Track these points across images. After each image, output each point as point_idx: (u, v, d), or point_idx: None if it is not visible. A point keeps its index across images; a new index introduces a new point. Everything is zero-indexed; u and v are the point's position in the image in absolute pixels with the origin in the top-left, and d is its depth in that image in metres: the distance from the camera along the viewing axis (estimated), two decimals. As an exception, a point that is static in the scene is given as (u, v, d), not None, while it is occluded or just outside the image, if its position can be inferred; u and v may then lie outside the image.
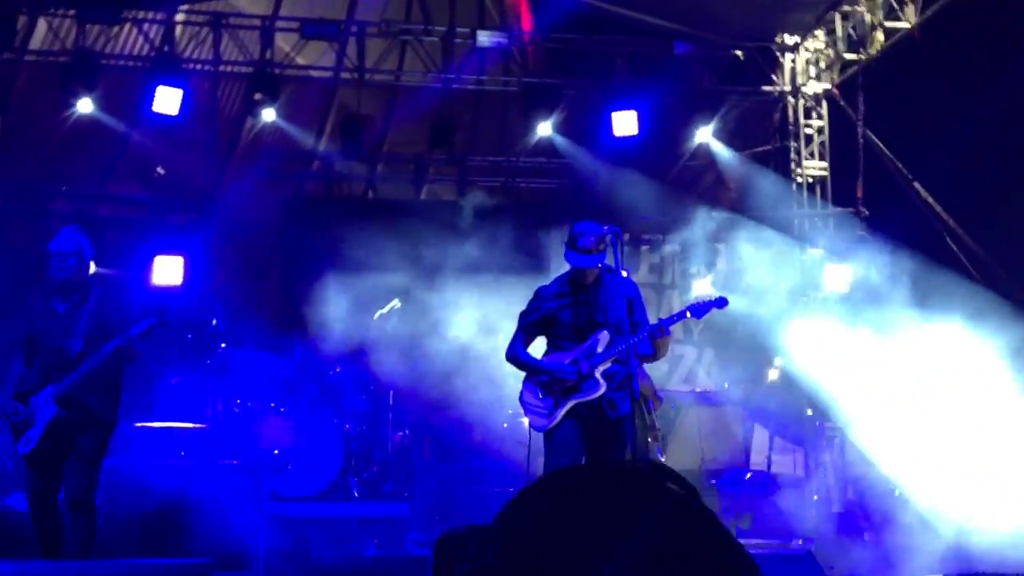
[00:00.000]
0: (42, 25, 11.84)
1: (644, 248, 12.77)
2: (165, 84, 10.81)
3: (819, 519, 9.57)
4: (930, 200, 11.75)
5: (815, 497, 9.99)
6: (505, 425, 10.05)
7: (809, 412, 12.03)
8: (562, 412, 5.78)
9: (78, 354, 6.01)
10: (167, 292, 10.21)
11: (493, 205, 12.72)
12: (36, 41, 11.97)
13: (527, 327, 6.05)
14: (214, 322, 9.55)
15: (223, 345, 9.45)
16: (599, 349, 5.83)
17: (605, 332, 5.86)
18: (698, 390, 12.13)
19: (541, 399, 5.87)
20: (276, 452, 8.80)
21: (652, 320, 6.24)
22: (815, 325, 12.04)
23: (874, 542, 10.06)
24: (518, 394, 6.07)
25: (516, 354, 6.00)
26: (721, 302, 6.29)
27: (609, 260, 5.91)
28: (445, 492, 9.31)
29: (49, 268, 6.13)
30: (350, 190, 14.01)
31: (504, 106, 13.65)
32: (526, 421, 6.19)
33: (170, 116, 10.81)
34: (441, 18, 13.30)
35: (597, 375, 5.80)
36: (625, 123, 11.39)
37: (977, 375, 9.78)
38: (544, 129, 12.26)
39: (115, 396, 6.24)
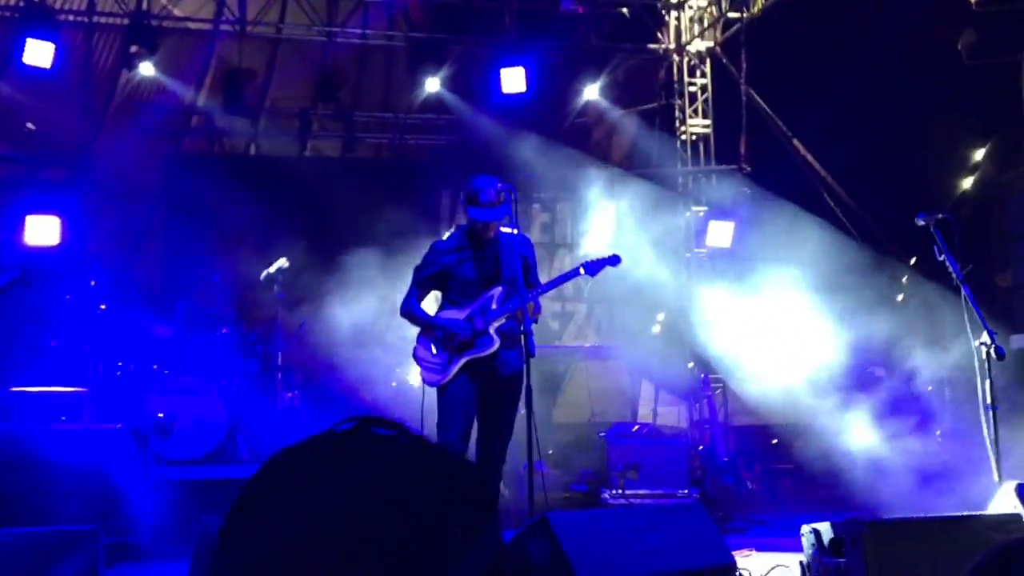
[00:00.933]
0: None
1: (536, 207, 12.83)
2: (36, 36, 10.33)
3: (704, 469, 9.81)
4: (808, 157, 12.07)
5: (699, 448, 10.23)
6: (394, 384, 10.04)
7: (691, 365, 12.31)
8: (455, 368, 5.80)
9: None
10: (42, 252, 9.83)
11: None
12: None
13: (421, 281, 6.01)
14: (93, 283, 9.25)
15: (103, 306, 9.16)
16: (493, 306, 5.85)
17: (500, 288, 5.88)
18: (587, 346, 12.29)
19: (435, 355, 5.87)
20: (161, 415, 8.61)
21: (544, 278, 6.30)
22: (696, 279, 12.33)
23: (756, 491, 10.39)
24: (410, 351, 6.05)
25: (411, 309, 5.97)
26: (614, 259, 6.36)
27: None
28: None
29: None
30: (232, 146, 13.69)
31: (390, 61, 13.48)
32: (418, 376, 6.19)
33: (42, 69, 10.35)
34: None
35: (491, 331, 5.83)
36: (513, 80, 11.37)
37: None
38: (432, 85, 12.16)
39: None
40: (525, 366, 5.70)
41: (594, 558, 4.59)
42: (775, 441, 13.16)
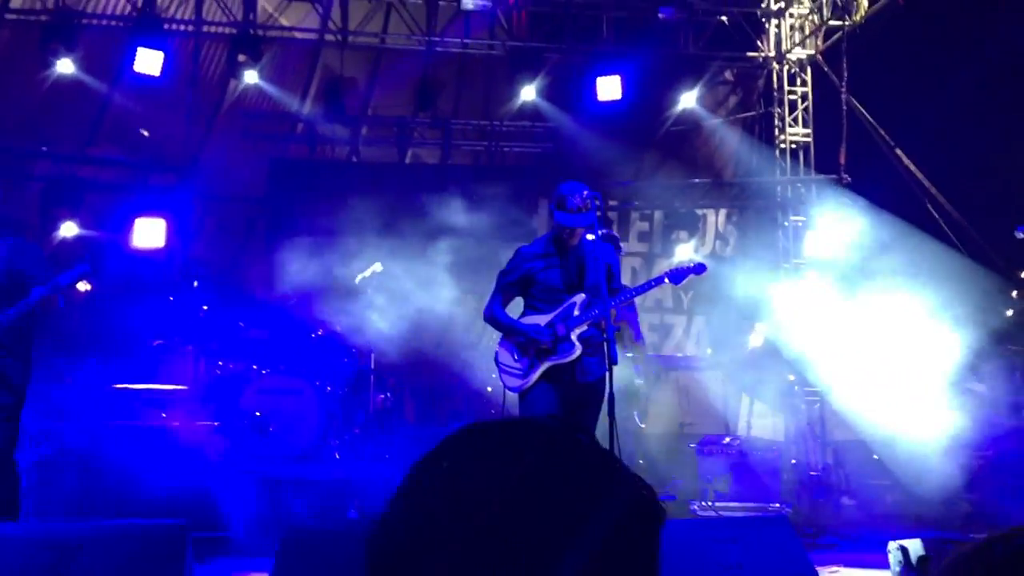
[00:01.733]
0: (22, -16, 11.73)
1: (634, 215, 12.76)
2: (146, 46, 10.71)
3: (797, 483, 9.65)
4: (911, 167, 11.79)
5: (793, 461, 10.07)
6: (490, 389, 10.12)
7: (790, 378, 12.12)
8: (536, 374, 5.81)
9: None
10: (150, 256, 10.17)
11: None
12: (16, 0, 11.85)
13: (505, 287, 6.04)
14: (195, 284, 9.53)
15: (205, 307, 9.44)
16: (576, 312, 5.85)
17: (583, 295, 5.88)
18: (679, 355, 12.19)
19: (516, 360, 5.90)
20: (257, 414, 8.82)
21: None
22: (796, 291, 12.13)
23: (852, 506, 10.18)
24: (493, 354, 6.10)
25: (494, 314, 6.00)
26: (699, 268, 6.31)
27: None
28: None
29: None
30: (333, 153, 13.96)
31: (489, 70, 13.59)
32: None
33: (152, 77, 10.71)
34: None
35: (573, 338, 5.82)
36: (609, 88, 11.37)
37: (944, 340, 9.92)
38: (528, 93, 12.22)
39: (27, 353, 5.68)
40: (607, 373, 5.67)
41: (672, 569, 4.56)
42: (875, 456, 12.88)
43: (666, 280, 6.26)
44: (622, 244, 8.57)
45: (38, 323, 5.66)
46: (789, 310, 12.06)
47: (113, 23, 11.96)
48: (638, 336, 8.49)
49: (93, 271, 5.40)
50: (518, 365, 5.87)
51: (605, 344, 5.64)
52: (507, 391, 5.99)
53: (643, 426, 9.53)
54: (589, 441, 1.17)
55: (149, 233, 10.29)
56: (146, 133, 12.62)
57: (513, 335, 5.94)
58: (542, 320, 5.90)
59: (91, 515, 6.68)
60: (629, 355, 8.61)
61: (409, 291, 10.70)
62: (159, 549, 4.76)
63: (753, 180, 12.61)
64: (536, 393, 5.78)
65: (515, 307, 6.30)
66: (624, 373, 8.03)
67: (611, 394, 5.57)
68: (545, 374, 5.81)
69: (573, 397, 5.81)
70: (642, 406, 8.87)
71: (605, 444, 5.71)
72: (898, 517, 9.38)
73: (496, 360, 5.99)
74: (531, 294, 5.99)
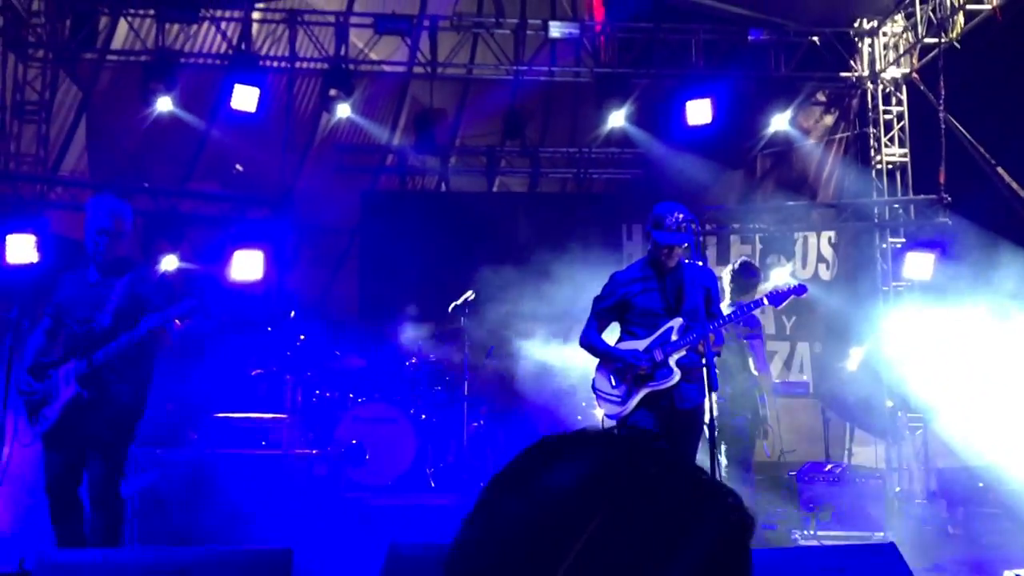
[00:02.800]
0: (123, 25, 12.12)
1: (733, 239, 12.60)
2: (242, 82, 10.97)
3: (901, 511, 9.38)
4: (1014, 185, 11.44)
5: (897, 489, 9.79)
6: (579, 418, 10.05)
7: (889, 403, 11.84)
8: (635, 400, 5.72)
9: (106, 329, 5.47)
10: (247, 287, 10.34)
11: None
12: (117, 41, 12.26)
13: (601, 312, 5.97)
14: (292, 314, 9.68)
15: (302, 337, 9.57)
16: (673, 337, 5.75)
17: (680, 319, 5.78)
18: (777, 381, 11.97)
19: (614, 387, 5.81)
20: (354, 442, 8.90)
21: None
22: (897, 314, 11.85)
23: (958, 535, 9.86)
24: (590, 382, 6.03)
25: (590, 340, 5.93)
26: (800, 289, 6.20)
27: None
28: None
29: (85, 243, 5.65)
30: (424, 183, 14.11)
31: (576, 97, 13.62)
32: (599, 410, 6.14)
33: (248, 113, 10.96)
34: (512, 10, 13.31)
35: (671, 363, 5.72)
36: (699, 112, 11.29)
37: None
38: (617, 119, 12.18)
39: (144, 382, 5.67)
40: (707, 400, 5.56)
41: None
42: (981, 484, 12.48)
43: (765, 301, 6.16)
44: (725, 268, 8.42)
45: (150, 352, 5.67)
46: (888, 333, 11.81)
47: (211, 61, 12.29)
48: (762, 366, 8.29)
49: (202, 306, 5.44)
50: (616, 392, 5.79)
51: (704, 370, 5.55)
52: (605, 418, 5.93)
53: (772, 457, 9.34)
54: (669, 449, 1.11)
55: (247, 265, 10.45)
56: (240, 168, 12.91)
57: (610, 361, 5.86)
58: (640, 345, 5.81)
59: (195, 542, 6.78)
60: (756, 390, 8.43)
61: (501, 319, 10.71)
62: (264, 574, 4.80)
63: (850, 201, 12.38)
64: (635, 420, 5.70)
65: (611, 332, 6.25)
66: (750, 404, 7.89)
67: (711, 422, 5.45)
68: (644, 400, 5.72)
69: (672, 425, 5.71)
70: (771, 439, 8.69)
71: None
72: (1005, 547, 9.06)
73: (593, 387, 5.93)
74: (627, 319, 5.92)
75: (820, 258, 12.45)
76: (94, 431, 5.45)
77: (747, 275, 7.91)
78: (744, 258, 8.28)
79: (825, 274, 12.48)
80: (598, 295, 6.03)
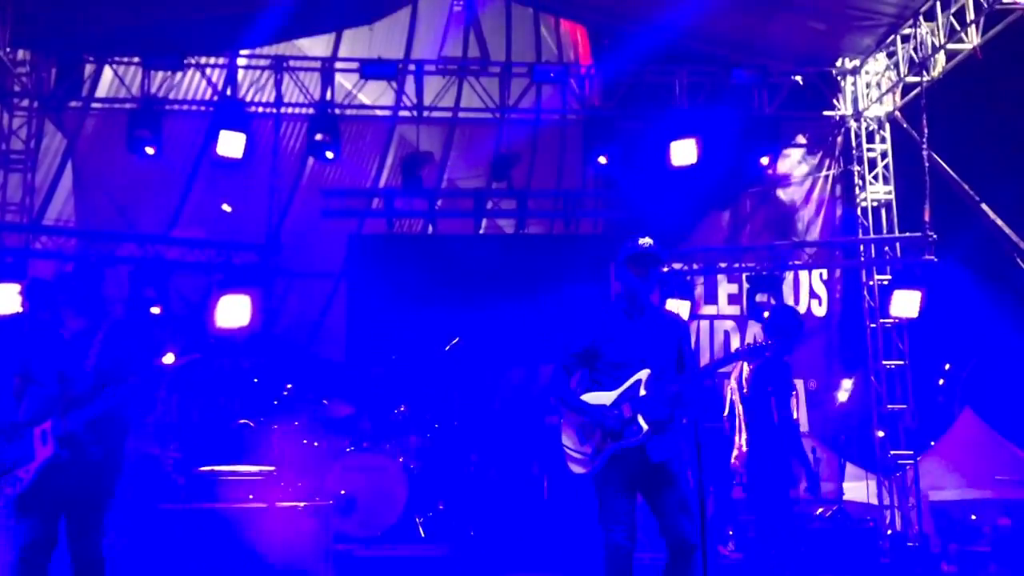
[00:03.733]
0: (107, 73, 12.14)
1: (720, 278, 12.60)
2: (228, 128, 10.97)
3: (895, 554, 9.33)
4: (999, 222, 11.49)
5: (889, 532, 9.76)
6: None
7: (879, 434, 11.88)
8: (603, 460, 5.42)
9: (88, 388, 5.27)
10: (232, 334, 10.29)
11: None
12: (103, 89, 12.27)
13: (568, 360, 5.62)
14: (289, 387, 9.62)
15: (289, 386, 9.52)
16: (641, 392, 5.42)
17: (648, 371, 5.45)
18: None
19: (581, 444, 5.55)
20: (343, 492, 8.83)
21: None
22: (883, 350, 11.91)
23: (952, 573, 9.83)
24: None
25: (559, 393, 5.60)
26: (766, 348, 5.97)
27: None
28: (510, 529, 9.30)
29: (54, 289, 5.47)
30: (410, 226, 14.09)
31: (562, 139, 13.66)
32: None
33: (234, 160, 10.96)
34: (498, 52, 13.36)
35: (640, 420, 5.39)
36: (684, 152, 11.33)
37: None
38: (603, 160, 12.19)
39: (122, 437, 5.46)
40: (690, 455, 5.39)
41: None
42: (973, 517, 12.46)
43: (737, 359, 6.05)
44: (712, 307, 8.40)
45: (129, 405, 5.43)
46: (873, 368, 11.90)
47: (196, 108, 12.29)
48: None
49: (201, 360, 5.30)
50: (584, 450, 5.44)
51: (685, 423, 5.41)
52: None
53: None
54: None
55: (233, 311, 10.41)
56: (228, 208, 12.90)
57: (577, 415, 5.54)
58: (607, 399, 5.47)
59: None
60: None
61: (490, 361, 10.70)
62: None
63: (836, 240, 12.44)
64: (608, 475, 5.40)
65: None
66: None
67: (700, 480, 5.26)
68: (613, 458, 5.40)
69: (647, 480, 5.42)
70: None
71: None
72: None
73: (560, 443, 5.68)
74: (596, 367, 5.57)
75: (812, 294, 12.49)
76: (72, 492, 5.25)
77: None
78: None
79: (818, 310, 12.51)
80: (566, 341, 5.65)
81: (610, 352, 5.53)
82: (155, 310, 10.63)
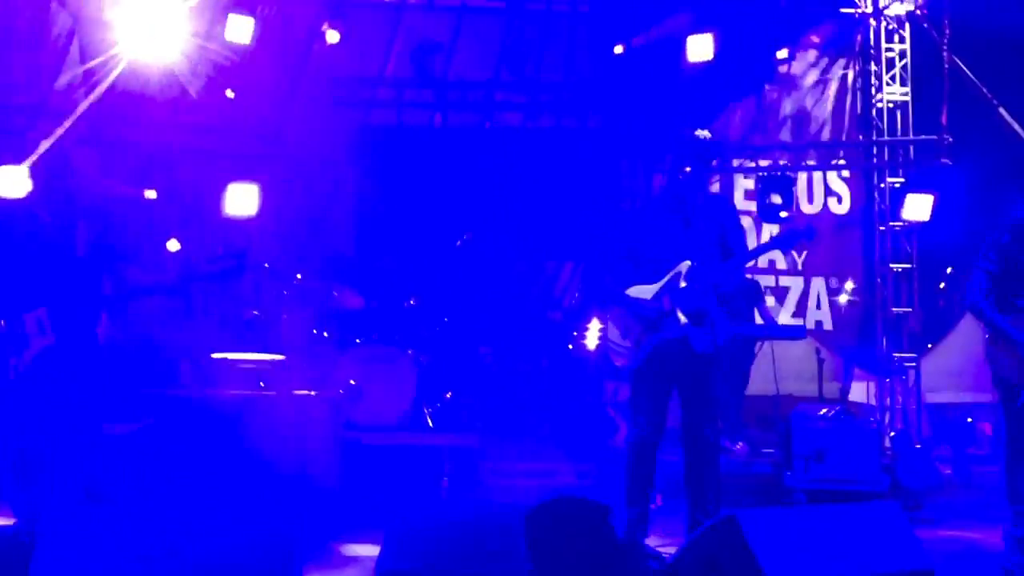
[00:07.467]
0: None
1: (738, 175, 12.49)
2: (236, 11, 10.70)
3: (895, 454, 9.44)
4: (1015, 126, 11.35)
5: (892, 434, 9.87)
6: (570, 347, 10.11)
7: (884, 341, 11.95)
8: (644, 352, 5.52)
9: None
10: (241, 223, 10.20)
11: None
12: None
13: (614, 253, 5.70)
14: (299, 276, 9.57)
15: (299, 276, 9.49)
16: (682, 283, 5.47)
17: (688, 262, 5.48)
18: (780, 324, 11.92)
19: (623, 337, 5.62)
20: (352, 383, 8.88)
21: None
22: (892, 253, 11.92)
23: (951, 476, 9.98)
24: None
25: (603, 284, 5.72)
26: (809, 233, 6.04)
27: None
28: (517, 422, 9.42)
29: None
30: (418, 118, 13.87)
31: (573, 29, 13.35)
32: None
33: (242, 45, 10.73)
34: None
35: (678, 312, 5.45)
36: (700, 48, 11.10)
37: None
38: (619, 49, 11.95)
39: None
40: (723, 342, 5.44)
41: (784, 561, 4.45)
42: (969, 419, 12.61)
43: (775, 246, 6.03)
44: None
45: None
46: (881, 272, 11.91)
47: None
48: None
49: (237, 268, 5.26)
50: (625, 343, 5.61)
51: (715, 312, 5.42)
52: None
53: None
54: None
55: (241, 200, 10.29)
56: (231, 94, 12.66)
57: (620, 308, 5.63)
58: (649, 291, 5.53)
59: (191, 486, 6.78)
60: None
61: (495, 253, 10.69)
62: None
63: (851, 141, 12.32)
64: (645, 372, 5.53)
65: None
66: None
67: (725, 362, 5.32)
68: (655, 351, 5.52)
69: (687, 372, 5.52)
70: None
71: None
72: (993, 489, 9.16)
73: (605, 335, 5.82)
74: (637, 261, 5.63)
75: (829, 192, 12.41)
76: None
77: None
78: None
79: (837, 208, 12.43)
80: (610, 234, 5.83)
81: (651, 244, 5.54)
82: (150, 194, 10.55)
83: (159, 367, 8.46)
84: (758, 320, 9.76)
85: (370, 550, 5.83)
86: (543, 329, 10.82)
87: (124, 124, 11.30)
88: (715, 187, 12.24)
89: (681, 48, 11.34)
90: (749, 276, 10.50)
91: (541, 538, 2.95)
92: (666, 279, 5.54)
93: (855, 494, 8.12)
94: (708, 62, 11.18)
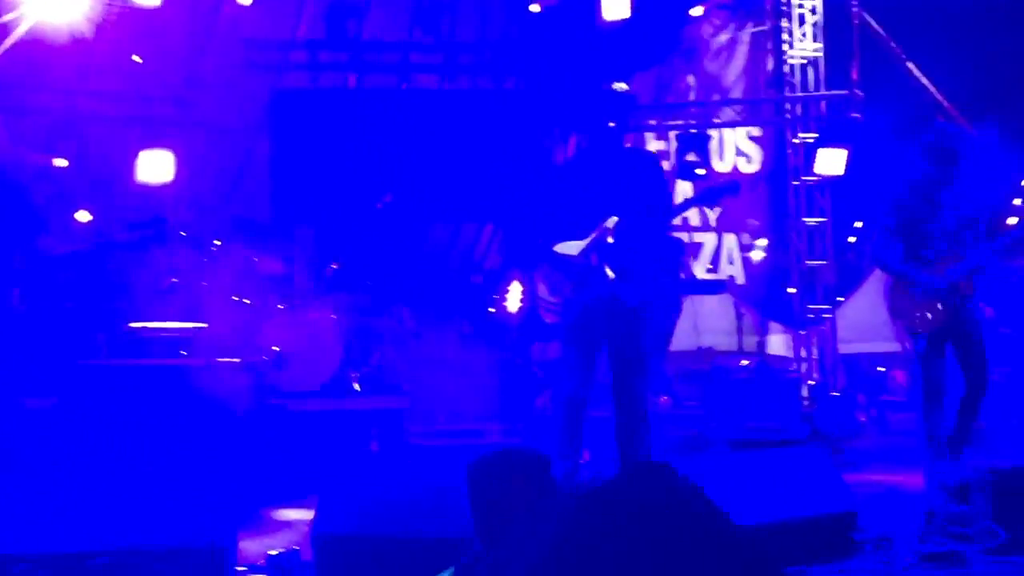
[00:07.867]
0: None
1: (649, 135, 12.57)
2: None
3: (813, 402, 9.69)
4: (924, 80, 11.62)
5: (811, 382, 10.11)
6: (492, 310, 10.11)
7: (791, 291, 12.18)
8: (572, 309, 5.53)
9: None
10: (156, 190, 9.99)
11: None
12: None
13: (540, 210, 5.70)
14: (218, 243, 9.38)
15: (217, 243, 9.31)
16: (608, 239, 5.45)
17: (615, 218, 5.46)
18: (698, 279, 12.09)
19: (552, 295, 5.65)
20: (276, 349, 8.78)
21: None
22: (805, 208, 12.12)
23: (867, 423, 10.26)
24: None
25: (532, 243, 5.74)
26: (734, 188, 6.10)
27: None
28: (444, 385, 9.41)
29: None
30: (332, 80, 13.65)
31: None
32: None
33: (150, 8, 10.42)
34: None
35: (606, 269, 5.45)
36: (617, 6, 11.10)
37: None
38: (536, 8, 11.89)
39: None
40: (650, 296, 5.47)
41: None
42: (882, 368, 12.94)
43: (700, 201, 6.09)
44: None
45: None
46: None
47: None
48: None
49: (156, 236, 5.16)
50: (554, 300, 5.64)
51: (643, 267, 5.44)
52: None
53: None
54: None
55: (156, 167, 10.06)
56: (138, 59, 12.32)
57: (548, 266, 5.62)
58: (576, 248, 5.51)
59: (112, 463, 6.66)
60: None
61: (416, 216, 10.63)
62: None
63: (763, 98, 12.47)
64: (575, 326, 5.53)
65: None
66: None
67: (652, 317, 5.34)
68: (583, 308, 5.53)
69: (615, 326, 5.52)
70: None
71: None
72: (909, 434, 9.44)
73: (528, 297, 5.83)
74: (564, 218, 5.61)
75: (739, 152, 12.57)
76: None
77: None
78: None
79: (746, 167, 12.61)
80: (535, 192, 5.80)
81: (579, 203, 5.53)
82: (61, 162, 10.26)
83: (76, 338, 8.24)
84: (682, 276, 9.88)
85: (303, 514, 5.82)
86: (464, 292, 10.81)
87: (30, 90, 10.95)
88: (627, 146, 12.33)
89: (596, 6, 11.33)
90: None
91: (484, 487, 2.97)
92: (593, 235, 5.52)
93: (776, 443, 8.29)
94: (623, 21, 11.18)
